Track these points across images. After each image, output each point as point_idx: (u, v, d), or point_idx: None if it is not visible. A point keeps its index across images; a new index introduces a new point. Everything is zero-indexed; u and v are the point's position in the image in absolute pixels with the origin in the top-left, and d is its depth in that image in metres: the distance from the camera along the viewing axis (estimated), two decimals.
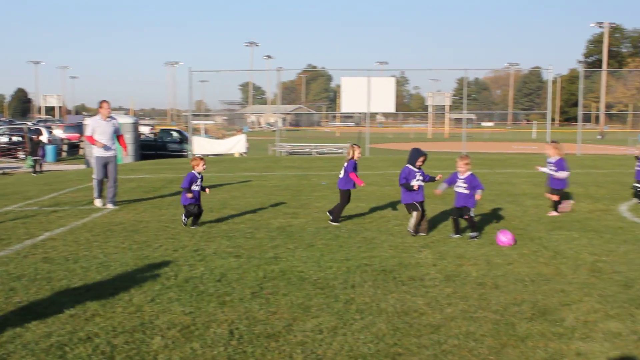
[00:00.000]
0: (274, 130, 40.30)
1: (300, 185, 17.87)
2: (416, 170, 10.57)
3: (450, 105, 75.77)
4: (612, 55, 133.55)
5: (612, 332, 5.91)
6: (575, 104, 38.76)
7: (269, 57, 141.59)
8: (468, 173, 10.37)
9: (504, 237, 9.74)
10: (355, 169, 11.93)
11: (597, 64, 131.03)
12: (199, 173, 11.54)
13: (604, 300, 6.87)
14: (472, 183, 10.31)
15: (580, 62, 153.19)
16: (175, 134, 41.76)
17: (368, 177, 20.29)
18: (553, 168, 12.33)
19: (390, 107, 37.22)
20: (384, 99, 35.77)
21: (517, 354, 5.39)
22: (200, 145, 34.78)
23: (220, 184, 18.08)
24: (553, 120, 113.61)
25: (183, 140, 39.31)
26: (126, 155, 15.85)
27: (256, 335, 5.84)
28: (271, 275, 7.97)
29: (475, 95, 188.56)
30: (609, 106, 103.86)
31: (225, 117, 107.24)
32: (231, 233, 10.75)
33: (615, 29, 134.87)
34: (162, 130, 46.06)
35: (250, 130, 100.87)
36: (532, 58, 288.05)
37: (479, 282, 7.60)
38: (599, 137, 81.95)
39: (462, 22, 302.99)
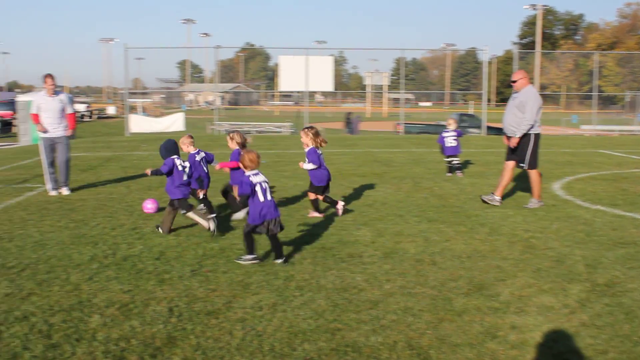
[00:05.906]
0: (213, 109, 39.95)
1: None
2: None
3: (388, 85, 76.05)
4: (545, 37, 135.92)
5: (545, 305, 6.07)
6: (510, 85, 39.15)
7: (206, 34, 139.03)
8: None
9: (150, 205, 10.62)
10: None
11: (531, 45, 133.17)
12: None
13: (538, 275, 7.05)
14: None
15: (515, 43, 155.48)
16: None
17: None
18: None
19: (329, 86, 37.43)
20: (322, 78, 35.91)
21: (454, 328, 5.49)
22: (137, 124, 34.34)
23: None
24: (489, 100, 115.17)
25: None
26: (69, 134, 13.03)
27: (196, 313, 5.82)
28: (210, 253, 7.95)
29: (413, 75, 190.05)
30: (543, 87, 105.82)
31: (162, 96, 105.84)
32: None
33: (548, 11, 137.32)
34: None
35: (189, 108, 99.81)
36: (468, 39, 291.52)
37: (416, 259, 7.70)
38: None
39: (399, 1, 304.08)
